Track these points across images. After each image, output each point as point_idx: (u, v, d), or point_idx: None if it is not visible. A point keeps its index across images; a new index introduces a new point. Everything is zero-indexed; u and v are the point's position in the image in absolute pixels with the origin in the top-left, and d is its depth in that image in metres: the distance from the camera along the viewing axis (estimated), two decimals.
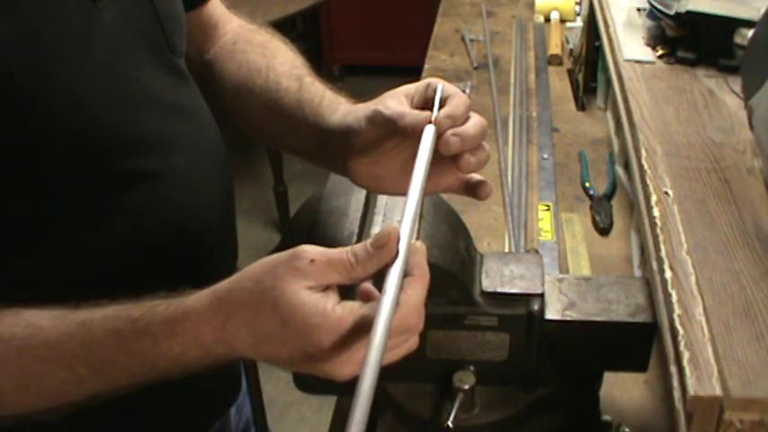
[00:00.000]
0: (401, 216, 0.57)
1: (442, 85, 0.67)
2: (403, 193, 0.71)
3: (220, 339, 0.56)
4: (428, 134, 0.63)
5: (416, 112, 0.66)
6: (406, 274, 0.54)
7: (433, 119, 0.64)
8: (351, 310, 0.53)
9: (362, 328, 0.52)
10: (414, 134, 0.64)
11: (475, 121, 0.65)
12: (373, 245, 0.54)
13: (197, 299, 0.57)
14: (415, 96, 0.68)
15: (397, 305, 0.51)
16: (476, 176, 0.70)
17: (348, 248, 0.55)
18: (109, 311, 0.59)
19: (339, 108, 0.74)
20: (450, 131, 0.64)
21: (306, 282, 0.53)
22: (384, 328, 0.49)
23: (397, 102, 0.67)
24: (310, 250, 0.55)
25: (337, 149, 0.72)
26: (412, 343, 0.57)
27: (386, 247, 0.54)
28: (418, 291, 0.54)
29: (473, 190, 0.70)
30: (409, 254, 0.55)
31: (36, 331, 0.59)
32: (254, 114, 0.81)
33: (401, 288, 0.53)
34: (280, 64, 0.82)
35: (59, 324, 0.59)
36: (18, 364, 0.59)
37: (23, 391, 0.60)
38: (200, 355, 0.57)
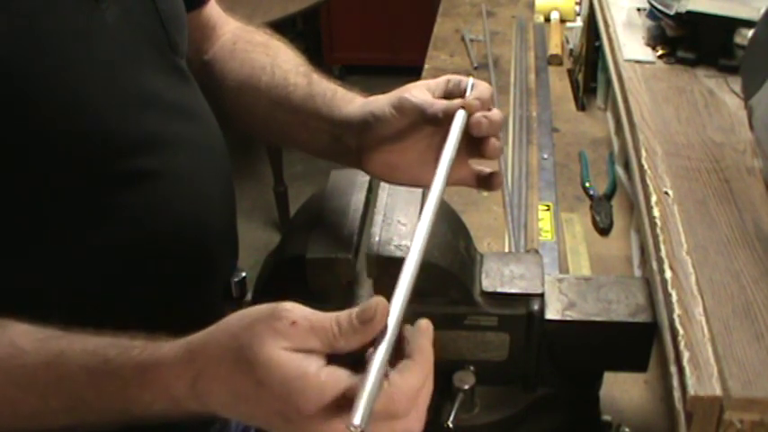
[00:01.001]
0: (420, 213, 0.58)
1: (472, 78, 0.71)
2: (416, 183, 0.74)
3: (191, 396, 0.53)
4: (459, 118, 0.66)
5: (445, 100, 0.69)
6: (406, 355, 0.51)
7: (464, 102, 0.67)
8: (337, 378, 0.49)
9: (348, 400, 0.47)
10: (444, 120, 0.67)
11: (497, 110, 0.69)
12: (359, 318, 0.50)
13: (170, 348, 0.54)
14: (437, 90, 0.71)
15: (380, 387, 0.47)
16: (486, 168, 0.73)
17: (333, 316, 0.51)
18: (89, 345, 0.57)
19: (354, 100, 0.76)
20: (479, 113, 0.67)
21: (285, 343, 0.49)
22: (363, 409, 0.45)
23: (421, 92, 0.70)
24: (293, 310, 0.50)
25: (353, 139, 0.73)
26: (403, 428, 0.51)
27: (372, 323, 0.50)
28: (414, 377, 0.50)
29: (485, 181, 0.73)
30: (414, 334, 0.52)
31: (17, 353, 0.58)
32: (257, 111, 0.81)
33: (398, 369, 0.50)
34: (284, 62, 0.83)
35: (39, 349, 0.58)
36: None
37: None
38: (171, 406, 0.54)
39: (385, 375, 0.49)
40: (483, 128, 0.67)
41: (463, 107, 0.67)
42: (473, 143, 0.69)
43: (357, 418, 0.45)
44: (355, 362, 0.50)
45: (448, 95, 0.71)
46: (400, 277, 0.54)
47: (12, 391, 0.58)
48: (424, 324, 0.53)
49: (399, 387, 0.49)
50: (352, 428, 0.45)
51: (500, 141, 0.70)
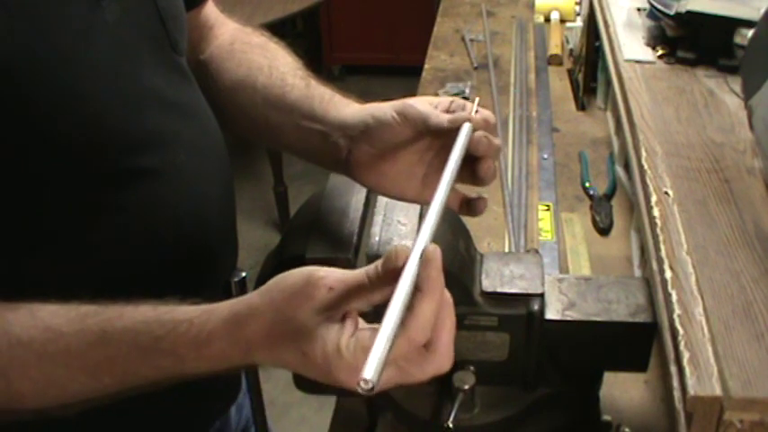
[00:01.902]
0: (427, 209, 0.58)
1: (478, 99, 0.72)
2: (399, 196, 0.74)
3: (247, 360, 0.57)
4: (464, 131, 0.67)
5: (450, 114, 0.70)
6: (416, 288, 0.52)
7: (470, 117, 0.68)
8: (362, 345, 0.52)
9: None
10: (448, 131, 0.68)
11: (497, 138, 0.70)
12: (384, 266, 0.53)
13: (217, 323, 0.57)
14: (439, 106, 0.72)
15: (400, 326, 0.50)
16: (472, 194, 0.73)
17: (363, 272, 0.54)
18: (129, 323, 0.60)
19: (352, 104, 0.76)
20: (482, 132, 0.68)
21: (326, 313, 0.54)
22: (381, 353, 0.48)
23: (424, 104, 0.71)
24: (326, 276, 0.54)
25: (345, 141, 0.73)
26: (433, 367, 0.54)
27: (396, 267, 0.53)
28: (425, 306, 0.52)
29: (469, 206, 0.73)
30: (420, 265, 0.53)
31: (56, 336, 0.60)
32: (250, 110, 0.81)
33: (410, 308, 0.51)
34: (282, 64, 0.83)
35: (79, 331, 0.60)
36: (39, 368, 0.60)
37: (44, 394, 0.61)
38: (228, 368, 0.59)
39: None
40: (483, 146, 0.68)
41: (469, 121, 0.68)
42: (466, 166, 0.68)
43: (369, 372, 0.47)
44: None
45: (449, 114, 0.71)
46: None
47: (60, 371, 0.60)
48: (429, 252, 0.53)
49: (413, 321, 0.51)
50: (362, 383, 0.47)
51: (495, 168, 0.70)
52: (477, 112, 0.70)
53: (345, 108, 0.76)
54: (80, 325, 0.60)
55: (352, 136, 0.73)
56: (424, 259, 0.53)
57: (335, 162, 0.75)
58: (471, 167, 0.69)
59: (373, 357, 0.47)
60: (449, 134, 0.68)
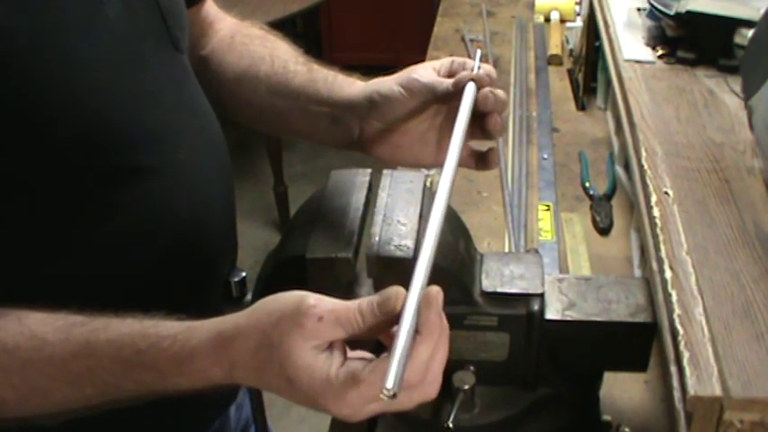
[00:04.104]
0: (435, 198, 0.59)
1: (480, 51, 0.74)
2: (416, 163, 0.76)
3: (229, 379, 0.57)
4: (469, 91, 0.68)
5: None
6: (416, 330, 0.52)
7: (473, 75, 0.69)
8: (353, 377, 0.52)
9: (372, 393, 0.52)
10: (454, 94, 0.69)
11: (500, 90, 0.71)
12: (380, 308, 0.53)
13: (202, 339, 0.57)
14: (441, 70, 0.73)
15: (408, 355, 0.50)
16: (482, 147, 0.75)
17: (356, 307, 0.54)
18: (113, 335, 0.59)
19: (356, 82, 0.77)
20: (487, 88, 0.69)
21: (313, 342, 0.53)
22: (395, 374, 0.48)
23: (427, 71, 0.72)
24: (317, 306, 0.53)
25: (355, 120, 0.75)
26: (420, 395, 0.55)
27: (393, 312, 0.53)
28: (422, 350, 0.52)
29: (482, 159, 0.75)
30: (421, 309, 0.52)
31: (41, 345, 0.59)
32: (256, 100, 0.82)
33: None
34: (283, 52, 0.84)
35: (64, 341, 0.59)
36: (22, 376, 0.60)
37: (26, 401, 0.61)
38: (209, 386, 0.58)
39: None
40: (490, 102, 0.69)
41: (473, 80, 0.69)
42: (475, 122, 0.69)
43: (390, 382, 0.48)
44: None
45: (452, 75, 0.72)
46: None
47: (42, 381, 0.60)
48: (431, 295, 0.53)
49: (409, 365, 0.51)
50: (385, 392, 0.48)
51: (503, 119, 0.71)
52: (479, 68, 0.71)
53: (350, 87, 0.77)
54: (65, 334, 0.60)
55: (361, 114, 0.74)
56: (426, 301, 0.53)
57: (348, 141, 0.77)
58: (480, 123, 0.71)
59: (393, 365, 0.48)
60: (455, 96, 0.69)
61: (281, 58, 0.83)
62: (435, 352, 0.53)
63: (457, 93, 0.69)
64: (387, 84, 0.73)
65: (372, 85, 0.75)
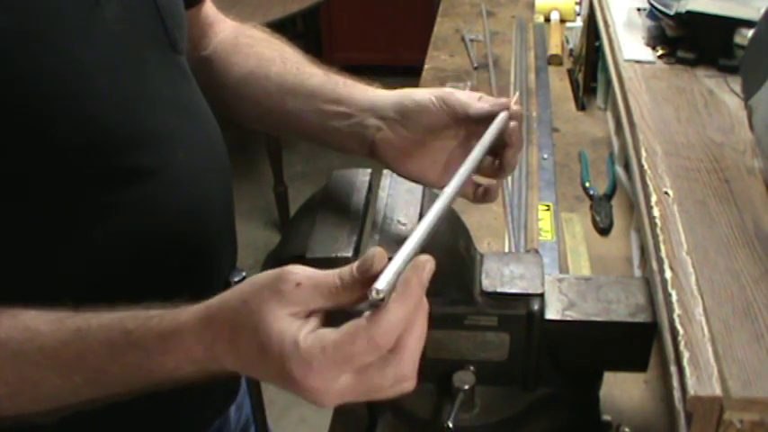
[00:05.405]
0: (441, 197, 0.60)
1: (518, 93, 0.77)
2: (420, 178, 0.77)
3: (210, 357, 0.55)
4: (500, 119, 0.71)
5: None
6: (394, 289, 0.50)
7: (509, 106, 0.72)
8: (320, 339, 0.50)
9: (339, 357, 0.49)
10: (487, 119, 0.71)
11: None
12: (359, 269, 0.52)
13: (190, 315, 0.56)
14: (474, 97, 0.75)
15: (364, 326, 0.49)
16: (485, 182, 0.77)
17: (336, 272, 0.52)
18: (104, 321, 0.59)
19: (374, 89, 0.79)
20: (515, 123, 0.73)
21: (290, 308, 0.51)
22: (397, 266, 0.49)
23: (462, 93, 0.74)
24: (297, 272, 0.52)
25: (375, 123, 0.75)
26: (396, 376, 0.51)
27: (371, 271, 0.51)
28: (394, 310, 0.49)
29: (481, 194, 0.77)
30: (410, 266, 0.51)
31: (33, 335, 0.59)
32: (264, 100, 0.83)
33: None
34: (291, 55, 0.85)
35: (56, 330, 0.59)
36: (13, 367, 0.59)
37: (18, 395, 0.60)
38: (194, 370, 0.56)
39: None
40: (515, 136, 0.72)
41: (508, 109, 0.71)
42: (490, 153, 0.71)
43: (381, 282, 0.48)
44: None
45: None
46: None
47: (32, 371, 0.59)
48: (421, 261, 0.52)
49: (378, 321, 0.49)
50: (374, 292, 0.48)
51: (516, 160, 0.74)
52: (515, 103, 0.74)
53: (372, 91, 0.78)
54: (57, 324, 0.59)
55: (385, 118, 0.75)
56: (414, 264, 0.51)
57: (358, 143, 0.77)
58: (494, 157, 0.73)
59: (389, 271, 0.49)
60: (478, 125, 0.71)
61: (292, 60, 0.84)
62: (410, 324, 0.50)
63: (487, 119, 0.70)
64: (422, 93, 0.74)
65: (405, 92, 0.76)
